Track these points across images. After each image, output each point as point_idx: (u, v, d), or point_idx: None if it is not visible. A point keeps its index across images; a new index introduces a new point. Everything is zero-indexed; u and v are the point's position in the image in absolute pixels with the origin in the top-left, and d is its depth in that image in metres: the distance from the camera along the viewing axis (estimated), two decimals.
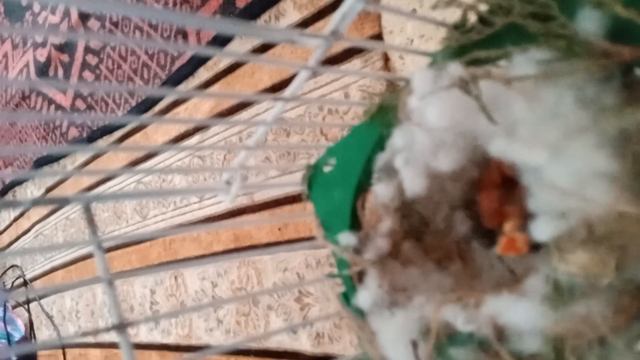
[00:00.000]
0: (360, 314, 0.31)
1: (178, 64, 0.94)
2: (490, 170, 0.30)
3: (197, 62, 0.90)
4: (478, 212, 0.31)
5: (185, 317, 0.99)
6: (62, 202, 0.25)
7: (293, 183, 0.33)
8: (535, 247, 0.27)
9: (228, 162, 0.89)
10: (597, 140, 0.22)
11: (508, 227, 0.27)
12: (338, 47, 0.71)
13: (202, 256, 0.96)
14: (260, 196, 0.85)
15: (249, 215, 0.87)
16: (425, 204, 0.33)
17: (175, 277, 1.00)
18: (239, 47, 0.84)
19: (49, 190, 1.36)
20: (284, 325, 0.81)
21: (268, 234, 0.84)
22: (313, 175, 0.34)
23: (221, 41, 0.86)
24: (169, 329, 1.03)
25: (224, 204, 0.87)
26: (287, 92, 0.26)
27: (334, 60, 0.73)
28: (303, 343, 0.78)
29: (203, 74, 0.90)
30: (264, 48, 0.81)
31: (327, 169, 0.33)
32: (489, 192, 0.30)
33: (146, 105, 1.00)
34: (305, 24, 0.76)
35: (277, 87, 0.80)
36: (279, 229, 0.83)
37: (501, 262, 0.30)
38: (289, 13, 0.78)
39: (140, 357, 1.11)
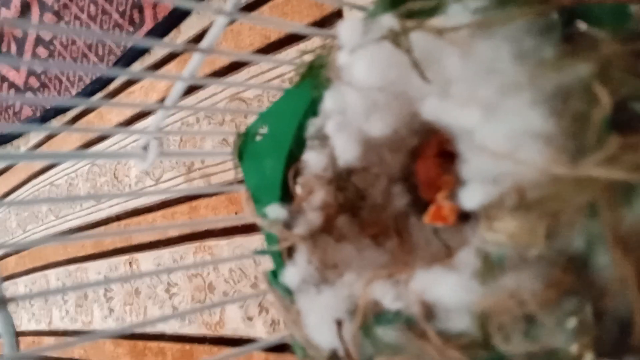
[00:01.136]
0: (288, 293, 0.28)
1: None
2: (430, 142, 0.28)
3: (155, 36, 0.86)
4: (416, 184, 0.29)
5: (139, 305, 0.95)
6: None
7: (223, 152, 0.30)
8: (470, 218, 0.25)
9: (185, 145, 0.85)
10: (534, 97, 0.20)
11: (440, 196, 0.25)
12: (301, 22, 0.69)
13: (158, 242, 0.92)
14: (217, 179, 0.82)
15: (205, 199, 0.84)
16: (362, 177, 0.30)
17: (130, 263, 0.97)
18: (196, 22, 0.80)
19: (1, 173, 1.30)
20: (240, 312, 0.79)
21: (224, 218, 0.81)
22: (244, 144, 0.31)
23: (178, 15, 0.82)
24: (123, 317, 0.99)
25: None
26: (203, 43, 0.23)
27: (294, 38, 0.70)
28: (258, 330, 0.76)
29: (159, 50, 0.86)
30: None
31: (258, 137, 0.30)
32: (427, 162, 0.27)
33: (100, 83, 0.96)
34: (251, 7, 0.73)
35: (235, 66, 0.77)
36: (236, 213, 0.80)
37: (437, 237, 0.28)
38: None
39: (95, 346, 1.07)
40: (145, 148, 0.27)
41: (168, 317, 0.25)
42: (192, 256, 0.87)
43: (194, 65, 0.24)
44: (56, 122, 1.08)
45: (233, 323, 0.80)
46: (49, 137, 1.13)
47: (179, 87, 0.25)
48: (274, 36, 0.72)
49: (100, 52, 0.96)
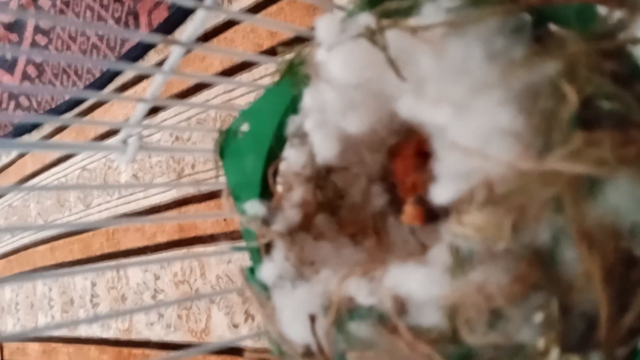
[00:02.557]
0: (264, 289, 0.28)
1: (128, 46, 0.90)
2: (408, 142, 0.29)
3: (147, 45, 0.87)
4: (395, 183, 0.29)
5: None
6: None
7: (204, 149, 0.31)
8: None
9: (177, 140, 0.85)
10: (504, 95, 0.21)
11: (410, 199, 0.26)
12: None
13: (146, 248, 0.92)
14: (207, 185, 0.82)
15: (194, 205, 0.84)
16: (342, 176, 0.31)
17: (117, 269, 0.96)
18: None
19: None
20: (226, 319, 0.78)
21: (213, 224, 0.81)
22: (225, 141, 0.31)
23: (173, 23, 0.82)
24: (108, 323, 0.98)
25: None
26: (184, 35, 0.24)
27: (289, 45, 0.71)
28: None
29: (153, 57, 0.87)
30: (215, 32, 0.79)
31: (239, 135, 0.31)
32: (404, 161, 0.28)
33: (104, 80, 0.96)
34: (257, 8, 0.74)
35: (228, 72, 0.78)
36: (224, 220, 0.80)
37: (414, 236, 0.28)
38: None
39: (79, 352, 1.06)
40: (125, 142, 0.27)
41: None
42: (179, 262, 0.87)
43: (173, 58, 0.25)
44: (33, 136, 1.08)
45: (219, 330, 0.79)
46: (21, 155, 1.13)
47: (159, 80, 0.26)
48: (266, 44, 0.73)
49: (94, 57, 0.97)
